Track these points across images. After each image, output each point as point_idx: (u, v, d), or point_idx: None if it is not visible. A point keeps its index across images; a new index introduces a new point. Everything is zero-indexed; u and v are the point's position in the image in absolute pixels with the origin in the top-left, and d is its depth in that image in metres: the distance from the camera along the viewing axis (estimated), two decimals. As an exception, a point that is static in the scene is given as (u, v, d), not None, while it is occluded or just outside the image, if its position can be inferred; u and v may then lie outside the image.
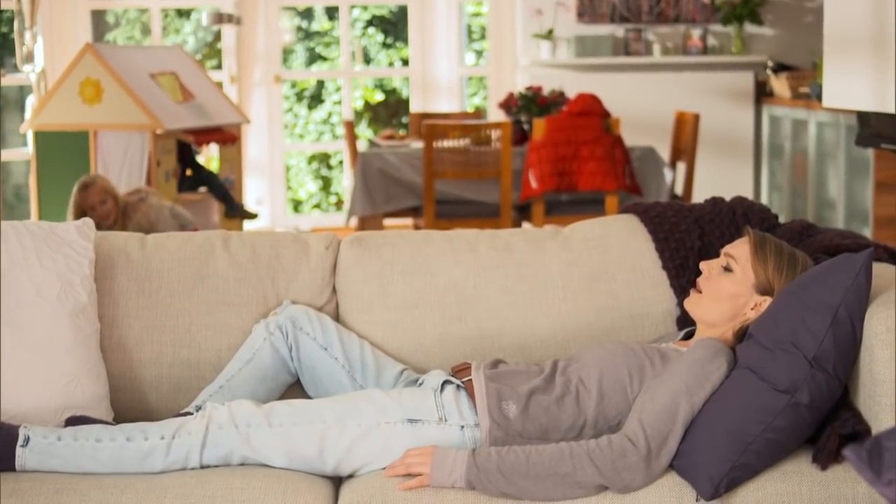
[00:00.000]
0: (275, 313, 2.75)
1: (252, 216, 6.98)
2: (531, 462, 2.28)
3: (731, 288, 2.52)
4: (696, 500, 2.29)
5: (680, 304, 2.78)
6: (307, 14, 10.37)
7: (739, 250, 2.55)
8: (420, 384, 2.59)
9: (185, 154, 6.65)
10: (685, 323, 2.77)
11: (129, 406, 2.72)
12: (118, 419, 2.65)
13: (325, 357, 2.68)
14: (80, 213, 5.56)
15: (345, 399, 2.47)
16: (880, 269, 2.59)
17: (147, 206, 5.66)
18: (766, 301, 2.51)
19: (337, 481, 2.45)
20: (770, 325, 2.42)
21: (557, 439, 2.41)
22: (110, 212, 5.56)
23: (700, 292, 2.56)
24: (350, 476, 2.43)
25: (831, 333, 2.34)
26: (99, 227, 5.59)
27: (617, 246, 2.87)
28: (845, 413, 2.39)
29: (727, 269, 2.54)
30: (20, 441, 2.38)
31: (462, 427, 2.42)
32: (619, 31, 8.32)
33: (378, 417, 2.41)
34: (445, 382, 2.50)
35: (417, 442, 2.40)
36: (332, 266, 2.87)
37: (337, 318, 2.83)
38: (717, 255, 2.82)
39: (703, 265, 2.60)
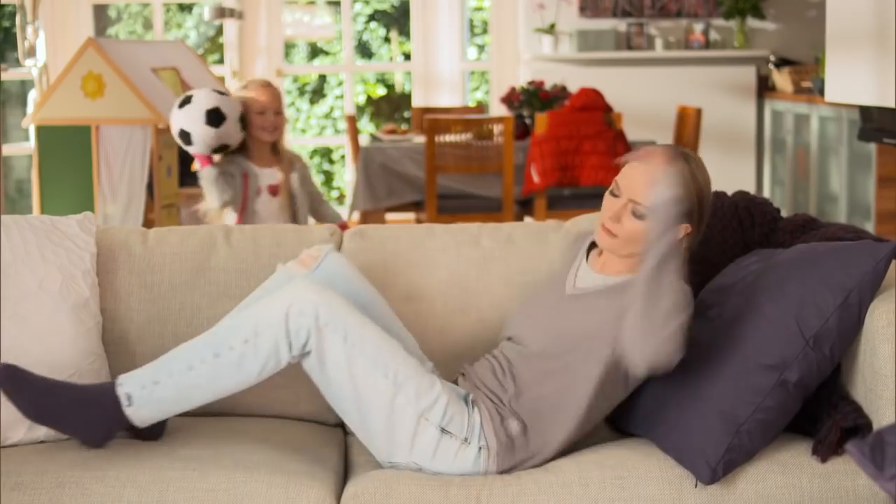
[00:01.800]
0: (309, 255, 2.62)
1: None
2: None
3: (645, 231, 2.38)
4: (696, 486, 2.30)
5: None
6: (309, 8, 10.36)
7: (639, 187, 2.42)
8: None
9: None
10: None
11: (131, 400, 2.72)
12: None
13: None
14: (237, 111, 4.34)
15: (415, 369, 2.39)
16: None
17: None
18: (686, 227, 2.44)
19: (341, 474, 2.46)
20: (777, 291, 2.41)
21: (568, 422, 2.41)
22: (278, 128, 4.43)
23: (614, 235, 2.46)
24: (353, 469, 2.44)
25: (838, 314, 2.34)
26: (253, 138, 4.40)
27: (619, 240, 2.87)
28: (846, 406, 2.40)
29: (637, 215, 2.44)
30: (124, 402, 2.36)
31: (479, 449, 2.39)
32: (621, 25, 8.31)
33: (423, 410, 2.37)
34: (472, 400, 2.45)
35: (437, 452, 2.37)
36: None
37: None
38: (712, 249, 2.80)
39: (607, 203, 2.49)
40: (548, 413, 2.42)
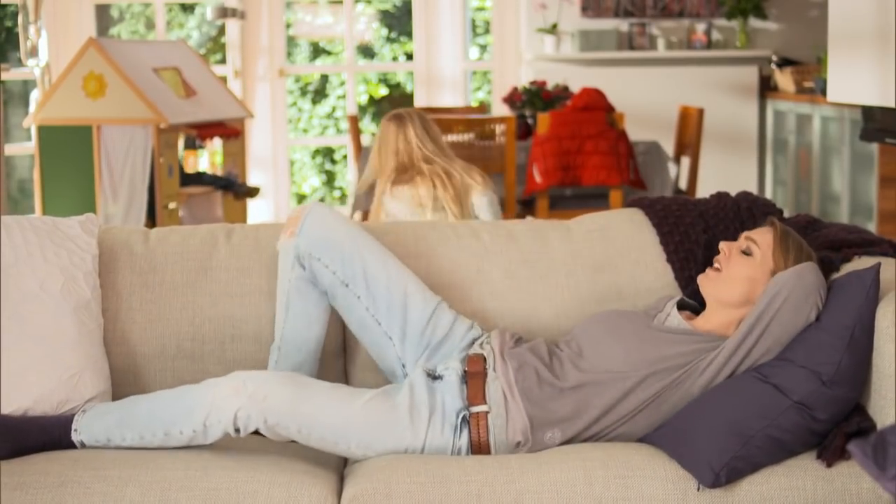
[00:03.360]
0: (292, 220, 2.65)
1: (254, 191, 6.98)
2: None
3: (749, 271, 2.54)
4: (698, 489, 2.29)
5: (686, 296, 2.78)
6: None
7: (763, 237, 2.57)
8: (440, 377, 2.52)
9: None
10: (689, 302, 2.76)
11: (132, 399, 2.72)
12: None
13: (347, 294, 2.62)
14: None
15: (376, 422, 2.42)
16: (886, 264, 2.59)
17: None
18: None
19: (341, 473, 2.45)
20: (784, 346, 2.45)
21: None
22: None
23: (718, 270, 2.57)
24: (354, 465, 2.44)
25: (848, 353, 2.35)
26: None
27: (621, 238, 2.87)
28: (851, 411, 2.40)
29: (746, 252, 2.55)
30: (77, 446, 2.47)
31: (443, 423, 2.45)
32: (623, 25, 8.30)
33: (398, 449, 2.43)
34: (463, 418, 2.46)
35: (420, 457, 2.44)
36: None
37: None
38: (715, 249, 2.81)
39: (723, 245, 2.60)
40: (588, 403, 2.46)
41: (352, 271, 2.61)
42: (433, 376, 2.53)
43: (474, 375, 2.51)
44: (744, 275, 2.54)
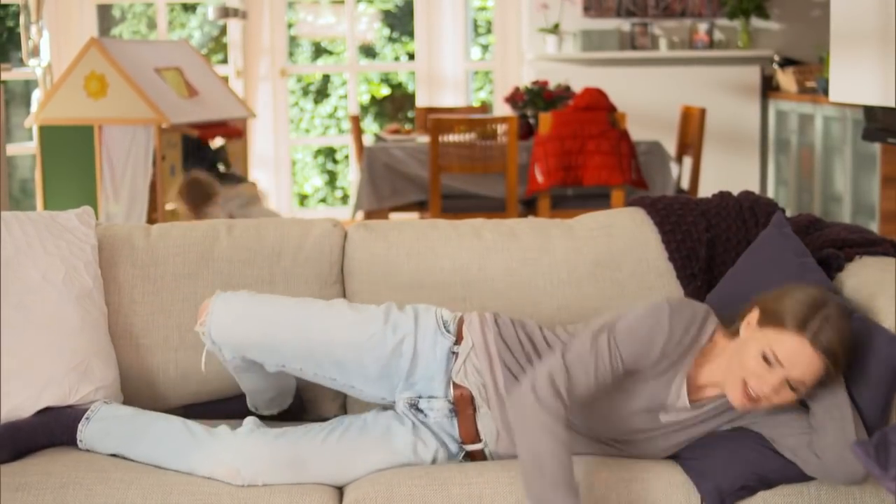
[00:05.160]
0: (205, 308, 2.52)
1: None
2: None
3: (794, 397, 2.30)
4: (702, 502, 2.28)
5: (687, 295, 2.75)
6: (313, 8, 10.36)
7: (807, 373, 2.24)
8: (426, 414, 2.46)
9: (204, 154, 6.66)
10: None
11: (138, 392, 2.72)
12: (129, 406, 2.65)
13: (289, 370, 2.51)
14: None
15: (382, 468, 2.40)
16: (887, 264, 2.59)
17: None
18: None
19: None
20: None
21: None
22: None
23: (757, 402, 2.27)
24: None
25: (886, 426, 2.31)
26: None
27: (622, 236, 2.87)
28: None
29: (793, 388, 2.24)
30: (79, 431, 2.48)
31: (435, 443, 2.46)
32: (625, 25, 8.30)
33: (392, 463, 2.41)
34: (464, 456, 2.45)
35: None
36: (339, 247, 2.84)
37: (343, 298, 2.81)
38: (716, 248, 2.79)
39: (757, 367, 2.24)
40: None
41: (281, 356, 2.47)
42: (418, 408, 2.46)
43: (464, 414, 2.45)
44: (790, 398, 2.28)
